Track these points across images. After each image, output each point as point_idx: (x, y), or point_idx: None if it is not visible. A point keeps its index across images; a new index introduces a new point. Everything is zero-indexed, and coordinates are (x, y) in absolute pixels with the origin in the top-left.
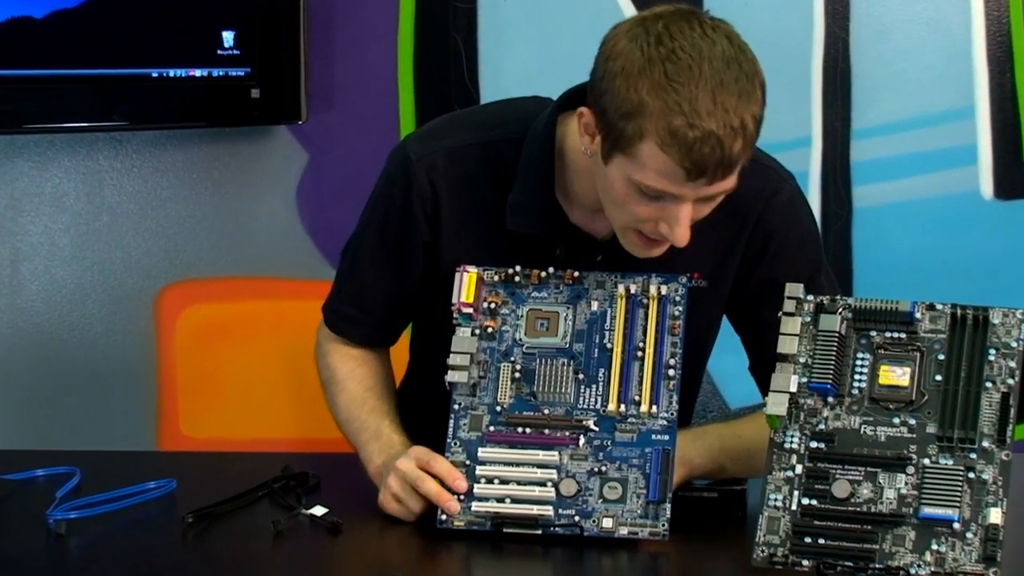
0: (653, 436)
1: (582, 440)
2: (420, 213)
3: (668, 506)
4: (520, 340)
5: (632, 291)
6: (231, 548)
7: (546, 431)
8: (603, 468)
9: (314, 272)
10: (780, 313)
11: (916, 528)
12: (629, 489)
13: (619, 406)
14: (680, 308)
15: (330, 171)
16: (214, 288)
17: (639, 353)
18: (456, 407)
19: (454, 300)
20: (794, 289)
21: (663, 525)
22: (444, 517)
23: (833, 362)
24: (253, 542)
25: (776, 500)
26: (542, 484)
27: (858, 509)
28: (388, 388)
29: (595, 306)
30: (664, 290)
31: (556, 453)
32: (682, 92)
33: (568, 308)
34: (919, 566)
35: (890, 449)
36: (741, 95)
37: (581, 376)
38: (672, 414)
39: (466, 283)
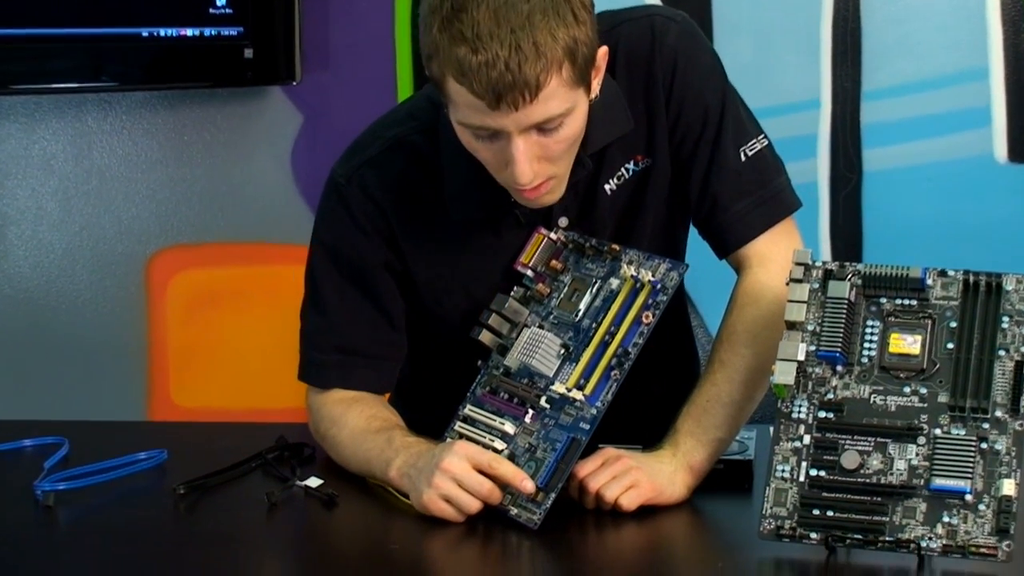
0: (580, 424)
1: (528, 416)
2: (371, 232)
3: (552, 496)
4: (552, 309)
5: (635, 274)
6: (223, 521)
7: (514, 400)
8: (534, 446)
9: (309, 236)
10: (787, 280)
11: (927, 500)
12: (541, 471)
13: (573, 388)
14: (665, 298)
15: (325, 133)
16: (206, 253)
17: (609, 339)
18: (479, 364)
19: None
20: (802, 255)
21: (538, 514)
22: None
23: (842, 330)
24: (246, 514)
25: (783, 471)
26: (495, 452)
27: (868, 480)
28: (394, 413)
29: (615, 284)
30: (659, 275)
31: (514, 426)
32: (465, 20)
33: (599, 283)
34: (930, 539)
35: (900, 419)
36: (534, 14)
37: (571, 353)
38: (603, 405)
39: (531, 243)
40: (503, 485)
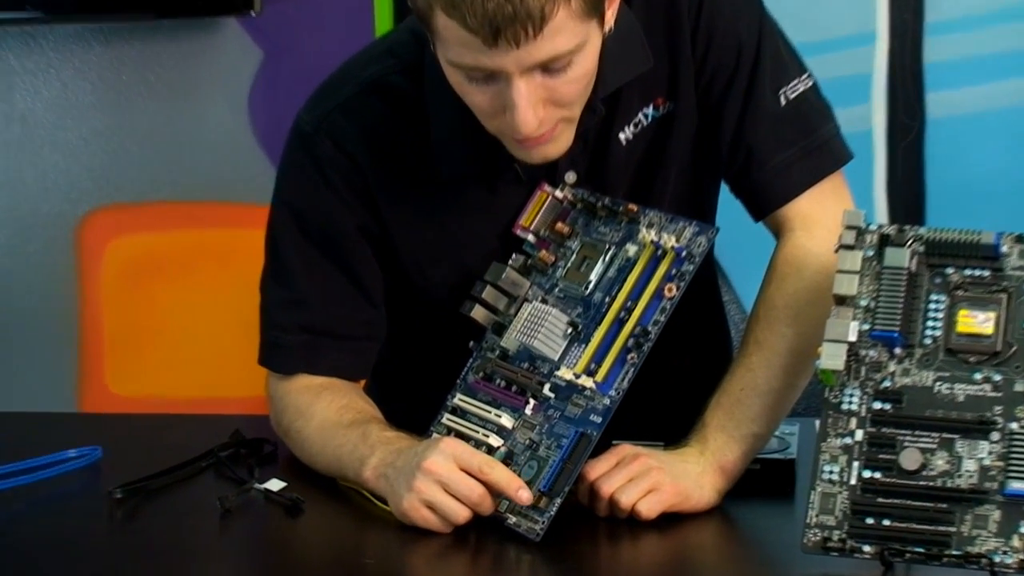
0: (590, 416)
1: (530, 406)
2: (344, 190)
3: (557, 502)
4: (557, 281)
5: (656, 239)
6: (168, 531)
7: (512, 388)
8: (536, 442)
9: (270, 194)
10: (836, 247)
11: (1001, 507)
12: (543, 472)
13: (583, 374)
14: (691, 267)
15: (288, 72)
16: (148, 214)
17: (625, 315)
18: (472, 345)
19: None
20: (854, 217)
21: (540, 524)
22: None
23: (901, 305)
24: (195, 523)
25: (831, 473)
26: (490, 451)
27: (931, 484)
28: (370, 404)
29: (632, 252)
30: (684, 241)
31: (512, 419)
32: None
33: (614, 249)
34: (1005, 553)
35: (970, 411)
36: None
37: (580, 332)
38: (618, 394)
39: (533, 203)
40: (497, 493)
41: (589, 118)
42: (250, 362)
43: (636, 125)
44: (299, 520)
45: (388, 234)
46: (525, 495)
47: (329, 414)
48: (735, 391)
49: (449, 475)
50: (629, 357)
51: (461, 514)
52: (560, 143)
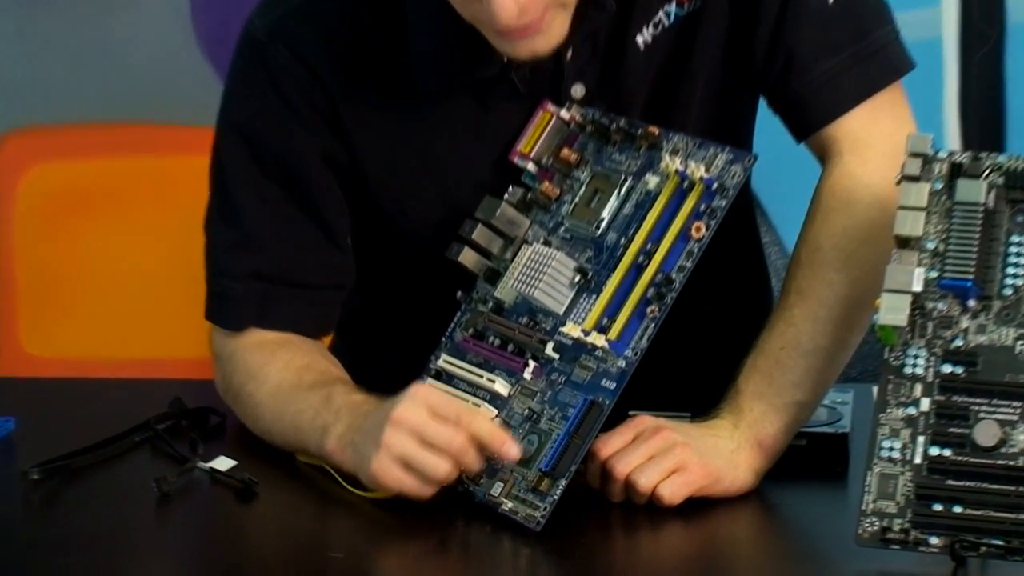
0: (602, 381)
1: (529, 369)
2: (304, 109)
3: (562, 484)
4: (563, 219)
5: (682, 169)
6: (94, 518)
7: (508, 348)
8: (537, 413)
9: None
10: (896, 178)
11: None
12: (544, 448)
13: (593, 331)
14: (724, 202)
15: None
16: (72, 138)
17: (644, 260)
18: (460, 296)
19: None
20: (919, 142)
21: (541, 511)
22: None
23: (975, 249)
24: (126, 509)
25: (892, 450)
26: None
27: (1011, 463)
28: (336, 364)
29: (652, 184)
30: (715, 170)
31: (508, 384)
32: None
33: (631, 181)
34: None
35: None
36: None
37: (591, 280)
38: (635, 355)
39: (534, 125)
40: (490, 465)
41: (598, 15)
42: (194, 317)
43: (656, 25)
44: (252, 506)
45: (357, 162)
46: (513, 450)
47: (286, 376)
48: (774, 351)
49: (423, 424)
50: (649, 310)
51: (441, 468)
52: (552, 35)
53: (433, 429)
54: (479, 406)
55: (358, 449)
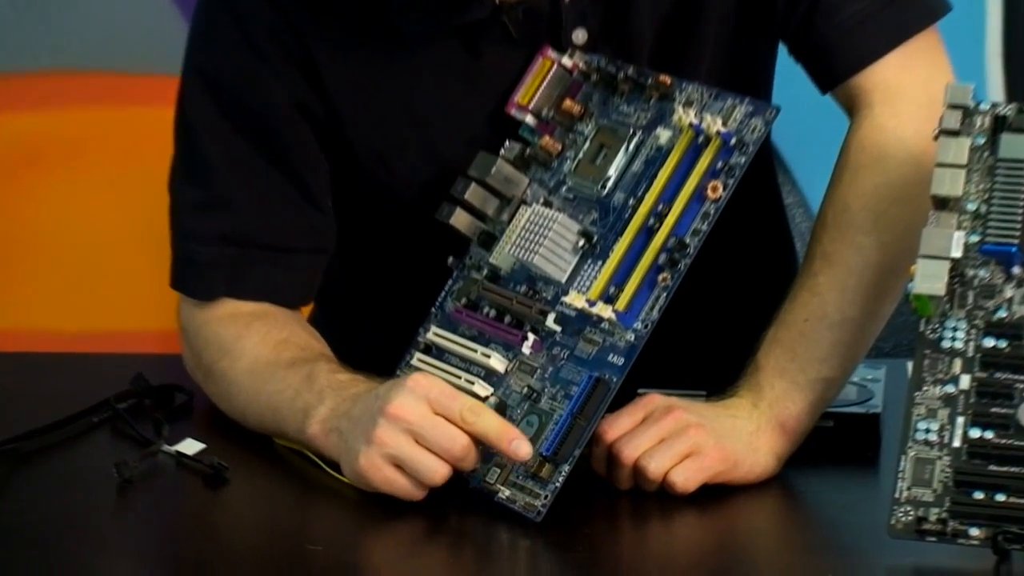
0: (609, 356)
1: (528, 343)
2: (274, 55)
3: (564, 470)
4: (566, 177)
5: (696, 122)
6: (47, 506)
7: (505, 319)
8: (537, 391)
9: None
10: (934, 132)
11: None
12: (545, 430)
13: (599, 301)
14: (743, 159)
15: None
16: (25, 88)
17: (655, 222)
18: (451, 262)
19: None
20: (959, 92)
21: (542, 500)
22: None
23: (1021, 210)
24: (84, 497)
25: (928, 432)
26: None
27: None
28: (317, 338)
29: (664, 138)
30: (733, 124)
31: (504, 359)
32: None
33: (640, 135)
34: None
35: None
36: None
37: (596, 245)
38: (646, 327)
39: (533, 73)
40: (485, 449)
41: None
42: (159, 285)
43: None
44: (222, 493)
45: (335, 113)
46: (524, 449)
47: (263, 351)
48: (798, 322)
49: (421, 421)
50: (660, 278)
51: (438, 472)
52: None
53: (433, 428)
54: (472, 383)
55: (345, 439)
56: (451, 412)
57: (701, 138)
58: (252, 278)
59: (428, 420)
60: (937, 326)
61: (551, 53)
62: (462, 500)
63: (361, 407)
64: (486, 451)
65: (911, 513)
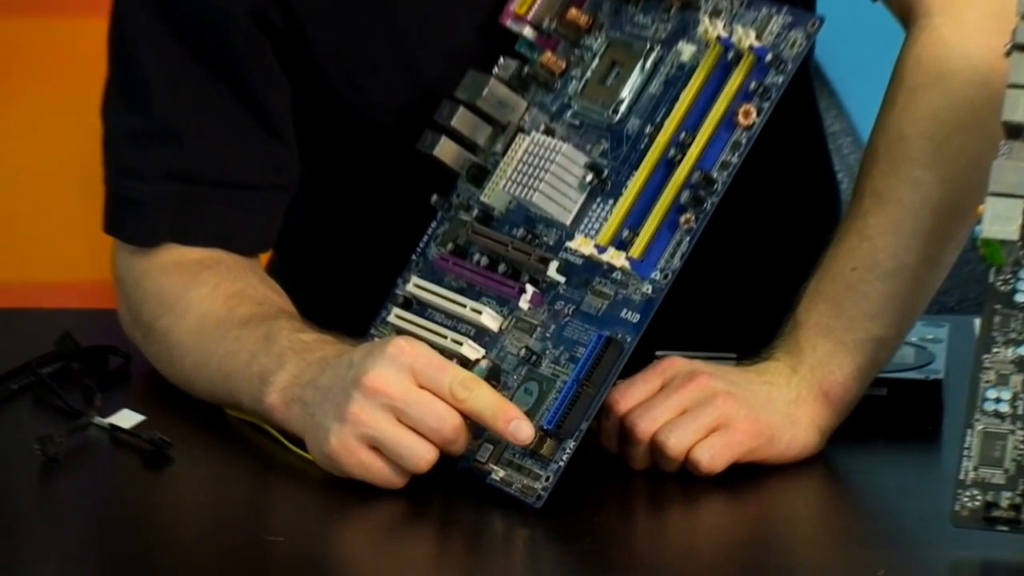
0: (622, 313)
1: (526, 296)
2: None
3: (570, 448)
4: (571, 99)
5: (725, 35)
6: None
7: (499, 269)
8: (537, 354)
9: None
10: (1006, 47)
11: None
12: (548, 400)
13: (610, 246)
14: (781, 79)
15: None
16: None
17: (676, 153)
18: (435, 200)
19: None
20: None
21: (543, 482)
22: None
23: None
24: (2, 476)
25: (999, 402)
26: (462, 365)
27: None
28: (274, 290)
29: (687, 55)
30: (769, 37)
31: (497, 316)
32: None
33: (659, 51)
34: None
35: None
36: None
37: (607, 180)
38: (666, 277)
39: None
40: (475, 426)
41: None
42: (91, 229)
43: None
44: (164, 474)
45: (298, 25)
46: (524, 431)
47: (212, 306)
48: (845, 272)
49: (405, 395)
50: (683, 220)
51: (423, 456)
52: None
53: (419, 405)
54: (460, 344)
55: (311, 413)
56: (440, 386)
57: (731, 54)
58: (201, 220)
59: (412, 395)
60: (1009, 276)
61: None
62: (448, 483)
63: (331, 375)
64: (476, 426)
65: (979, 498)
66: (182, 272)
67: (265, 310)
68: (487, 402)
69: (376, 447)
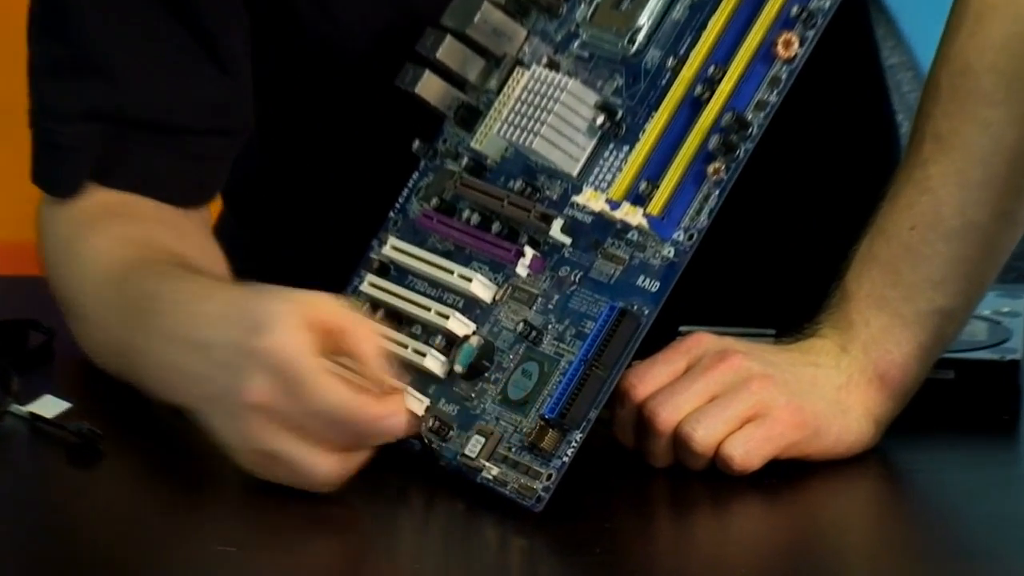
0: (639, 280)
1: (525, 261)
2: None
3: (575, 442)
4: (578, 27)
5: None
6: None
7: (493, 228)
8: (535, 329)
9: None
10: None
11: None
12: (550, 384)
13: (625, 201)
14: (828, 2)
15: None
16: None
17: (704, 91)
18: (417, 147)
19: None
20: None
21: (543, 481)
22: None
23: None
24: None
25: None
26: (450, 344)
27: None
28: (205, 252)
29: None
30: None
31: (490, 284)
32: None
33: None
34: None
35: None
36: None
37: (621, 123)
38: (691, 238)
39: None
40: (465, 412)
41: None
42: (11, 178)
43: None
44: (94, 471)
45: None
46: (397, 422)
47: (99, 255)
48: (902, 232)
49: (287, 405)
50: (711, 171)
51: (328, 471)
52: None
53: (292, 412)
54: (446, 318)
55: (199, 410)
56: (348, 339)
57: None
58: (127, 163)
59: (295, 400)
60: None
61: None
62: (431, 481)
63: (220, 333)
64: (466, 415)
65: None
66: (82, 220)
67: (154, 255)
68: (333, 401)
69: (274, 461)
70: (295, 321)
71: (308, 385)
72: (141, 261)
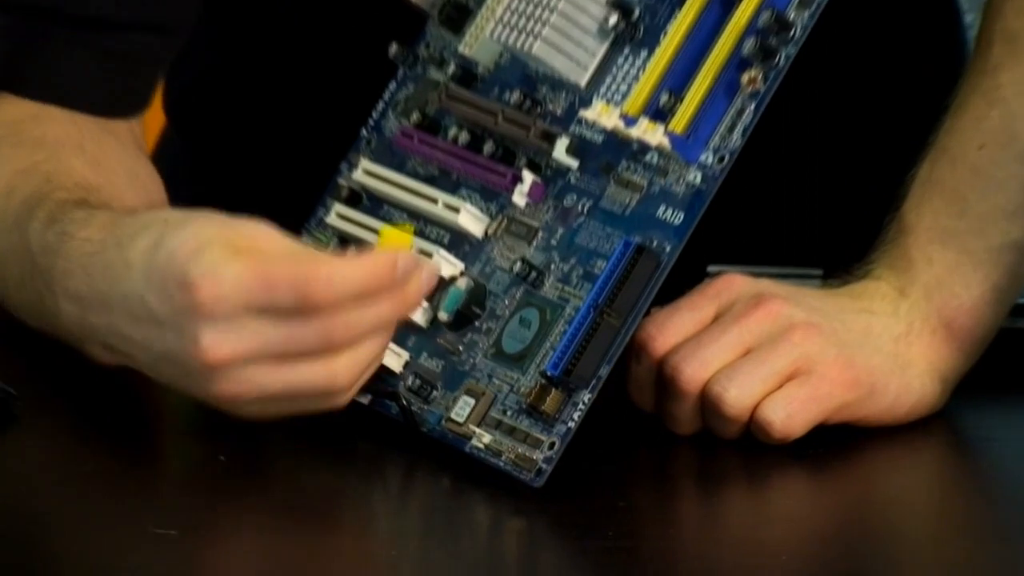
0: (659, 212)
1: (524, 187)
2: None
3: (583, 403)
4: None
5: None
6: None
7: (484, 149)
8: (535, 269)
9: None
10: None
11: None
12: (553, 335)
13: (642, 117)
14: None
15: None
16: None
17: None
18: (394, 52)
19: None
20: None
21: (544, 451)
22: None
23: None
24: None
25: None
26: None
27: None
28: (134, 179)
29: None
30: None
31: (482, 216)
32: None
33: None
34: None
35: None
36: None
37: (637, 24)
38: (722, 161)
39: None
40: (451, 368)
41: None
42: None
43: None
44: (8, 436)
45: None
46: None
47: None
48: (970, 151)
49: (261, 344)
50: (746, 80)
51: (346, 370)
52: None
53: (271, 344)
54: (430, 256)
55: (167, 377)
56: (283, 296)
57: None
58: (35, 63)
59: (259, 357)
60: None
61: None
62: (413, 452)
63: (133, 324)
64: (453, 372)
65: None
66: None
67: (58, 179)
68: (348, 277)
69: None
70: (224, 254)
71: (296, 280)
72: (38, 201)
